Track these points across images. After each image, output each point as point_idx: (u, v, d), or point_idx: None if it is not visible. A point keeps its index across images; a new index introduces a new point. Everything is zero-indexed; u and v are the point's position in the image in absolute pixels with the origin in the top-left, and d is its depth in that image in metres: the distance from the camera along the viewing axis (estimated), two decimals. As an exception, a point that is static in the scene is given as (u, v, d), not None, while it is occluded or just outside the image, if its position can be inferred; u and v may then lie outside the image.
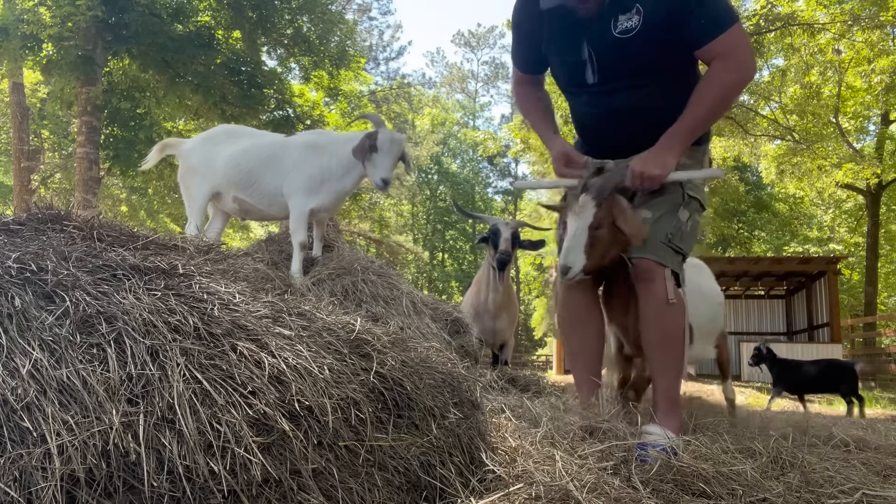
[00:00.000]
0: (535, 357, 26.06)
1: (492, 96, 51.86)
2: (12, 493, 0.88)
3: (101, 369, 1.08)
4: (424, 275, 34.91)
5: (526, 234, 5.62)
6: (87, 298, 1.22)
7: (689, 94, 2.19)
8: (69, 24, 9.79)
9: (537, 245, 5.03)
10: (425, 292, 5.53)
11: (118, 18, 10.61)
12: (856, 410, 5.29)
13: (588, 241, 2.13)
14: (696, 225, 2.36)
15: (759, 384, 9.83)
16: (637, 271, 2.23)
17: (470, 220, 35.07)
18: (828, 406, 7.25)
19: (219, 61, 11.59)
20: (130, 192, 18.00)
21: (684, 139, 2.16)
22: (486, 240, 4.59)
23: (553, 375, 11.99)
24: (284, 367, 1.23)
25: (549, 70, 2.49)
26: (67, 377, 1.05)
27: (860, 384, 5.73)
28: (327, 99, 14.56)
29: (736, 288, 15.12)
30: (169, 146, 4.32)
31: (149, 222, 17.97)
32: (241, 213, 4.09)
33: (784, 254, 20.77)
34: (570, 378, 9.14)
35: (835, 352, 12.25)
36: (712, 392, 6.14)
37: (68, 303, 1.19)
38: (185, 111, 12.78)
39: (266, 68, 12.70)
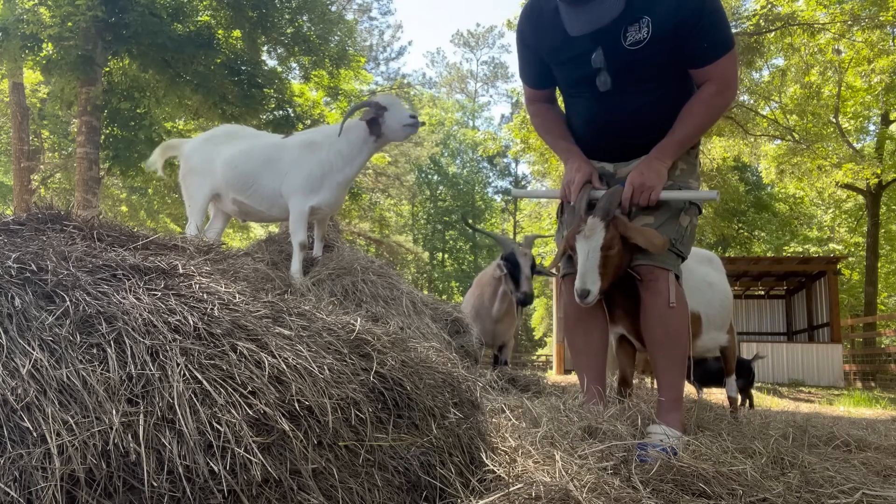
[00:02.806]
0: (535, 357, 26.06)
1: (491, 96, 51.97)
2: (12, 493, 0.88)
3: (101, 369, 1.08)
4: (424, 275, 34.89)
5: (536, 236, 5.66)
6: (87, 298, 1.22)
7: (684, 99, 2.26)
8: (69, 24, 9.77)
9: (551, 273, 4.96)
10: (425, 292, 5.53)
11: (118, 18, 10.60)
12: (748, 404, 5.40)
13: (601, 262, 2.19)
14: (694, 228, 2.43)
15: (759, 384, 9.83)
16: (642, 275, 2.28)
17: (470, 220, 35.07)
18: (827, 406, 7.25)
19: (219, 61, 11.58)
20: (130, 192, 17.99)
21: (674, 153, 2.27)
22: (504, 270, 4.52)
23: (553, 375, 11.99)
24: (284, 367, 1.23)
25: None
26: (67, 377, 1.05)
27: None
28: (327, 98, 14.54)
29: (736, 288, 15.13)
30: (171, 147, 4.33)
31: (149, 222, 17.98)
32: (242, 214, 4.08)
33: (784, 254, 20.76)
34: (570, 378, 9.13)
35: (835, 352, 12.26)
36: (712, 392, 6.14)
37: (68, 303, 1.19)
38: (185, 111, 12.77)
39: (266, 68, 12.68)
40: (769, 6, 12.61)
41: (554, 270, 3.66)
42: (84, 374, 1.06)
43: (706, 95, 2.22)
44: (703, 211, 2.52)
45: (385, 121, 3.57)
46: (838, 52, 13.83)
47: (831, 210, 22.32)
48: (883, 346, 15.30)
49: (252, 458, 1.05)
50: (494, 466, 1.49)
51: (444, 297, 31.15)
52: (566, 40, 2.25)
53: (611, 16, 2.09)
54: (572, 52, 2.29)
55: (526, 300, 4.34)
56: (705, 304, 3.04)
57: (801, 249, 21.81)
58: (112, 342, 1.14)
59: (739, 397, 3.91)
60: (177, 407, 1.05)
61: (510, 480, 1.40)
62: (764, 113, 16.49)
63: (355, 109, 3.70)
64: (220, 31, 12.05)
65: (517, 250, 4.41)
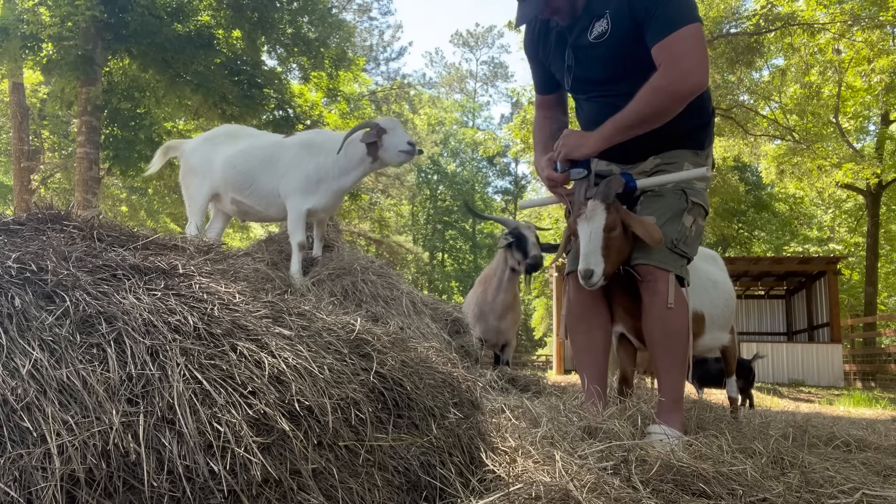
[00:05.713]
0: (535, 357, 26.05)
1: (491, 96, 51.98)
2: (12, 493, 0.88)
3: (101, 369, 1.08)
4: (424, 275, 34.88)
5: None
6: (87, 298, 1.22)
7: None
8: (69, 23, 9.77)
9: (555, 248, 4.96)
10: (425, 292, 5.52)
11: (118, 18, 10.60)
12: (748, 404, 5.39)
13: (603, 243, 2.17)
14: (700, 229, 2.40)
15: (759, 384, 9.83)
16: (641, 275, 2.27)
17: (470, 220, 35.07)
18: (827, 406, 7.25)
19: (219, 61, 11.58)
20: (130, 192, 17.99)
21: (610, 135, 2.20)
22: (510, 245, 4.54)
23: (553, 375, 11.98)
24: (284, 367, 1.23)
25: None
26: (67, 377, 1.05)
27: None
28: (326, 99, 14.54)
29: (736, 288, 15.10)
30: (172, 148, 4.33)
31: (149, 222, 17.97)
32: (241, 214, 4.08)
33: (784, 254, 20.76)
34: (570, 378, 9.12)
35: (835, 352, 12.25)
36: (712, 392, 6.14)
37: (68, 303, 1.19)
38: (185, 111, 12.77)
39: (266, 68, 12.69)
40: (769, 6, 12.62)
41: (555, 267, 3.66)
42: (84, 374, 1.06)
43: (653, 80, 2.09)
44: (706, 214, 2.49)
45: (382, 143, 3.57)
46: (838, 52, 13.83)
47: (831, 210, 22.32)
48: (883, 346, 15.29)
49: (252, 458, 1.05)
50: (494, 466, 1.49)
51: (444, 297, 31.15)
52: (551, 43, 2.37)
53: (537, 9, 2.19)
54: (555, 55, 2.38)
55: (536, 263, 4.43)
56: (709, 304, 3.02)
57: (801, 249, 21.82)
58: (112, 342, 1.14)
59: (740, 398, 3.92)
60: (177, 407, 1.05)
61: (510, 480, 1.40)
62: (764, 113, 16.50)
63: (358, 129, 3.68)
64: (220, 32, 12.05)
65: (521, 224, 4.54)
